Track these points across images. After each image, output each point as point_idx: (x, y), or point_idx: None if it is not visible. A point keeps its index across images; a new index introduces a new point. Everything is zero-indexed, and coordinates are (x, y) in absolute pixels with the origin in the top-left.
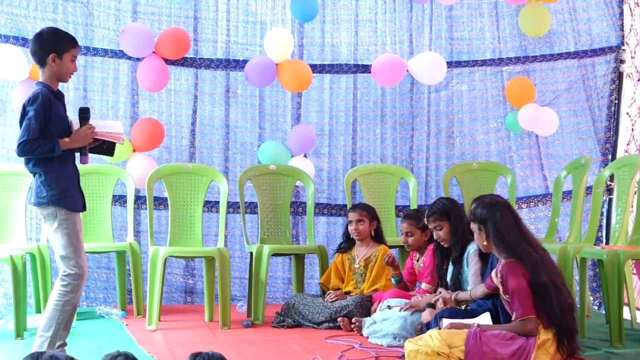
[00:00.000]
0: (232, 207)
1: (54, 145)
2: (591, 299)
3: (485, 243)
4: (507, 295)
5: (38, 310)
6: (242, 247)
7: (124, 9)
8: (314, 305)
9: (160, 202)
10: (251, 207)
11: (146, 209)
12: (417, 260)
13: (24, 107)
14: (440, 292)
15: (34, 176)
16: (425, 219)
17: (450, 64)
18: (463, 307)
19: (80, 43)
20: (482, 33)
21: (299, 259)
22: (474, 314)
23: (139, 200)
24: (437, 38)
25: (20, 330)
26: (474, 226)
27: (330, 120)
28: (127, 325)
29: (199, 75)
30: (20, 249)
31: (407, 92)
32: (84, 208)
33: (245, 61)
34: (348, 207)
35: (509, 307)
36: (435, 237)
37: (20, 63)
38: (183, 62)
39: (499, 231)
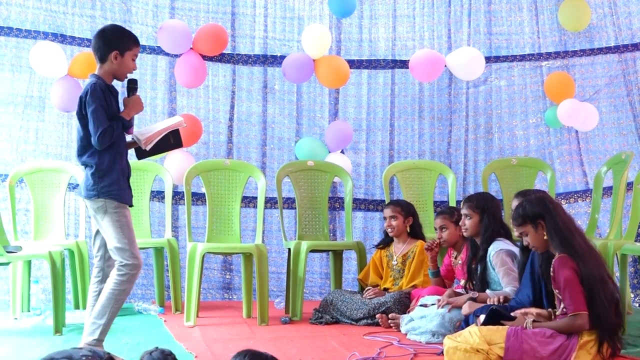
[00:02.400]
0: (270, 202)
1: (122, 120)
2: (632, 295)
3: (545, 238)
4: (557, 291)
5: (77, 306)
6: (280, 243)
7: (162, 5)
8: (352, 302)
9: (198, 198)
10: (289, 203)
11: (184, 205)
12: (455, 258)
13: (81, 99)
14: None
15: (85, 169)
16: (462, 203)
17: (489, 59)
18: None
19: None
20: (521, 28)
21: (337, 255)
22: (512, 311)
23: (177, 196)
24: (476, 33)
25: (59, 326)
26: (527, 227)
27: (367, 116)
28: (165, 321)
29: (237, 72)
30: (59, 245)
31: (445, 87)
32: (132, 204)
33: (282, 57)
34: (386, 203)
35: (558, 303)
36: (460, 224)
37: (59, 60)
38: (220, 58)
39: (557, 225)
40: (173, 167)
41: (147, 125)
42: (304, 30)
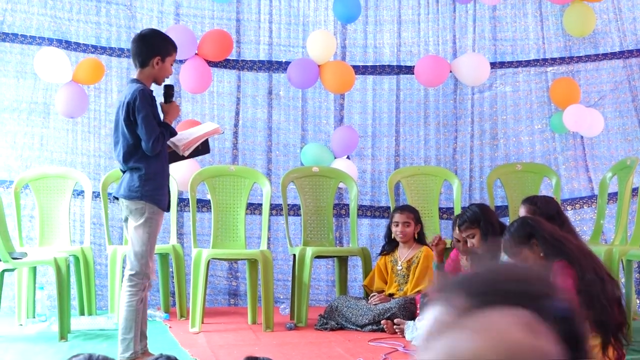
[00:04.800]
0: (275, 209)
1: (170, 128)
2: (637, 302)
3: (542, 255)
4: None
5: (82, 313)
6: (285, 249)
7: (167, 11)
8: (357, 308)
9: (203, 205)
10: (294, 210)
11: (189, 211)
12: (467, 260)
13: (129, 105)
14: None
15: (129, 172)
16: (456, 228)
17: (494, 65)
18: None
19: (122, 46)
20: (526, 33)
21: (342, 261)
22: None
23: (182, 202)
24: (481, 39)
25: (64, 332)
26: (524, 253)
27: (373, 122)
28: (170, 327)
29: (242, 77)
30: (64, 251)
31: (450, 93)
32: (168, 208)
33: (287, 63)
34: (391, 209)
35: None
36: (469, 245)
37: (64, 66)
38: (225, 64)
39: (546, 238)
40: (178, 173)
41: None
42: (309, 36)
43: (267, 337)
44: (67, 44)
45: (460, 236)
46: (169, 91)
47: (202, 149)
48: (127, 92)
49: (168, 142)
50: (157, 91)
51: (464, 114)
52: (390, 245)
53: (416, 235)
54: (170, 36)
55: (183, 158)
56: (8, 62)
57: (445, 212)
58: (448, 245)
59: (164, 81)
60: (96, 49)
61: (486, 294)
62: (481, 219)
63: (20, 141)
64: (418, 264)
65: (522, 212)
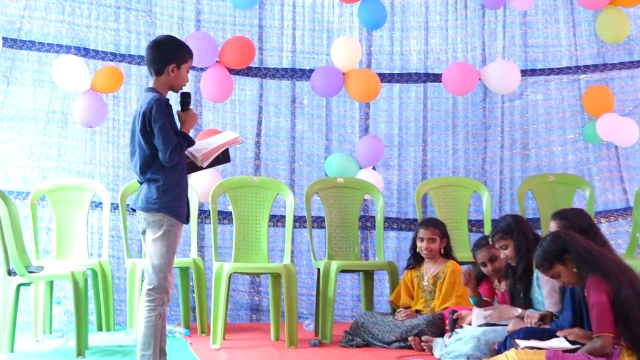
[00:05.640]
0: (299, 221)
1: (187, 137)
2: None
3: (575, 270)
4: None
5: (100, 328)
6: (309, 263)
7: (187, 18)
8: (384, 324)
9: (224, 217)
10: (318, 222)
11: (210, 223)
12: (499, 282)
13: (145, 115)
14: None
15: (147, 183)
16: (490, 239)
17: (524, 72)
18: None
19: (142, 53)
20: (558, 40)
21: (368, 275)
22: (551, 334)
23: (203, 214)
24: (511, 45)
25: (81, 348)
26: (557, 268)
27: (399, 131)
28: (190, 344)
29: (264, 85)
30: (82, 265)
31: (479, 101)
32: (187, 220)
33: (311, 70)
34: (419, 222)
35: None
36: (502, 257)
37: (82, 74)
38: (247, 71)
39: (580, 253)
40: (199, 184)
41: None
42: (333, 42)
43: (290, 355)
44: (85, 52)
45: (487, 255)
46: (185, 99)
47: (223, 157)
48: (143, 102)
49: (186, 152)
50: (174, 99)
51: (494, 123)
52: (416, 260)
53: (442, 250)
54: (191, 43)
55: (202, 168)
56: (25, 70)
57: (474, 225)
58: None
59: (180, 89)
60: (115, 56)
61: None
62: (515, 230)
63: (37, 151)
64: (444, 279)
65: (553, 227)
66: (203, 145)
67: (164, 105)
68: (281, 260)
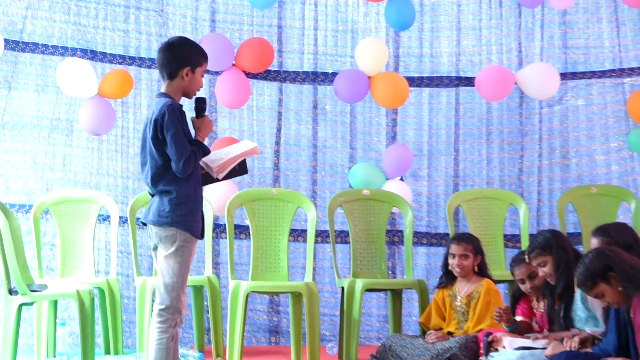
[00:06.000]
0: (321, 236)
1: (202, 146)
2: None
3: (621, 289)
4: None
5: (107, 352)
6: (333, 281)
7: (202, 18)
8: (414, 347)
9: (241, 231)
10: (342, 237)
11: (226, 238)
12: (538, 302)
13: (157, 122)
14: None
15: (159, 196)
16: (527, 256)
17: (564, 76)
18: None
19: (153, 56)
20: (601, 41)
21: (396, 294)
22: (594, 358)
23: (218, 229)
24: (550, 47)
25: None
26: (601, 287)
27: (429, 140)
28: None
29: (284, 90)
30: (88, 283)
31: (516, 107)
32: (202, 236)
33: (334, 74)
34: (451, 237)
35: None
36: (541, 275)
37: (89, 78)
38: (266, 75)
39: (625, 270)
40: (214, 196)
41: None
42: (358, 44)
43: None
44: (92, 55)
45: (526, 272)
46: (201, 105)
47: (240, 169)
48: (155, 108)
49: (200, 163)
50: (188, 105)
51: (531, 131)
52: (449, 278)
53: (476, 268)
54: (206, 45)
55: (217, 180)
56: (28, 74)
57: (510, 240)
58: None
59: (195, 94)
60: (124, 59)
61: None
62: (554, 246)
63: (41, 161)
64: (479, 299)
65: (595, 244)
66: (219, 156)
67: (178, 111)
68: (302, 278)
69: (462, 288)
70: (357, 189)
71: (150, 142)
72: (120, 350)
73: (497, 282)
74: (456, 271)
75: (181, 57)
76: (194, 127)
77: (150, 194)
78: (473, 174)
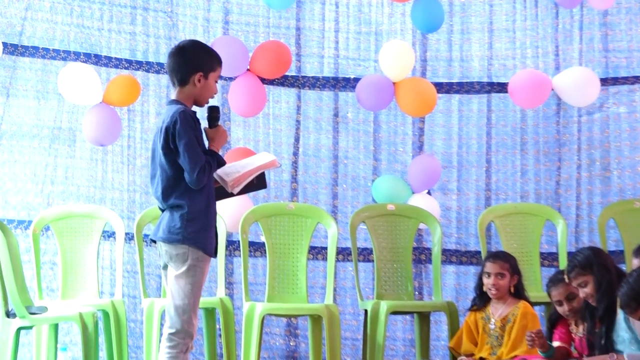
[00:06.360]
0: (342, 254)
1: (217, 156)
2: None
3: None
4: None
5: None
6: (355, 302)
7: (214, 19)
8: None
9: (256, 249)
10: (365, 255)
11: (240, 256)
12: (577, 325)
13: (167, 130)
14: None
15: (168, 210)
16: (565, 275)
17: (605, 81)
18: None
19: (162, 60)
20: None
21: (423, 317)
22: None
23: (232, 246)
24: (589, 50)
25: None
26: None
27: (459, 150)
28: None
29: (302, 97)
30: (91, 305)
31: (552, 115)
32: (216, 253)
33: (357, 79)
34: (483, 255)
35: None
36: (581, 295)
37: (93, 84)
38: (283, 81)
39: None
40: (227, 211)
41: None
42: (382, 47)
43: None
44: (96, 59)
45: (564, 292)
46: (213, 114)
47: (257, 183)
48: (165, 116)
49: (214, 176)
50: (200, 114)
51: (569, 140)
52: (482, 299)
53: (512, 289)
54: (218, 49)
55: (232, 195)
56: (27, 80)
57: (546, 258)
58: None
59: (207, 102)
60: (131, 63)
61: None
62: (595, 264)
63: (41, 174)
64: (514, 322)
65: (636, 264)
66: (234, 169)
67: (190, 118)
68: (322, 299)
69: (497, 310)
70: (381, 203)
71: (160, 151)
72: None
73: (533, 304)
74: (491, 292)
75: (193, 62)
76: (207, 138)
77: (159, 208)
78: (506, 187)
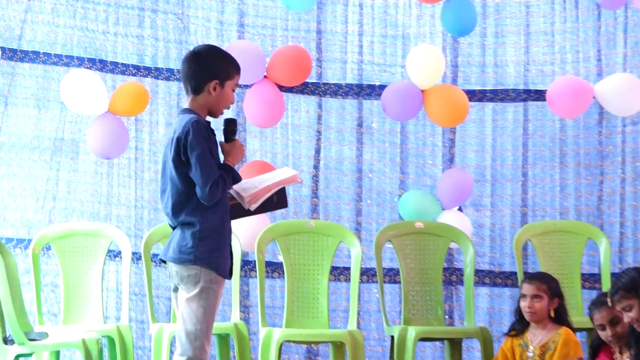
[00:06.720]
0: (367, 275)
1: (232, 171)
2: None
3: None
4: None
5: None
6: (380, 327)
7: (228, 22)
8: None
9: (274, 269)
10: (391, 276)
11: (256, 278)
12: (621, 352)
13: (179, 141)
14: None
15: (179, 228)
16: (608, 299)
17: None
18: None
19: (172, 66)
20: None
21: (455, 344)
22: None
23: (247, 266)
24: (634, 54)
25: None
26: None
27: (492, 163)
28: None
29: (324, 106)
30: (96, 330)
31: (594, 125)
32: (230, 275)
33: (382, 87)
34: (519, 276)
35: None
36: (625, 320)
37: (98, 92)
38: (303, 88)
39: None
40: (241, 229)
41: None
42: (409, 52)
43: None
44: (101, 64)
45: (608, 316)
46: (230, 127)
47: (278, 201)
48: (177, 126)
49: (230, 192)
50: (216, 124)
51: (613, 152)
52: (521, 324)
53: (552, 313)
54: (232, 54)
55: (250, 213)
56: (27, 87)
57: (588, 280)
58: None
59: (222, 112)
60: (138, 70)
61: None
62: None
63: (42, 188)
64: (555, 350)
65: None
66: (252, 184)
67: (204, 128)
68: (345, 324)
69: (536, 336)
70: (408, 220)
71: (171, 164)
72: None
73: (574, 330)
74: (527, 315)
75: (208, 68)
76: (223, 152)
77: (170, 226)
78: (544, 202)
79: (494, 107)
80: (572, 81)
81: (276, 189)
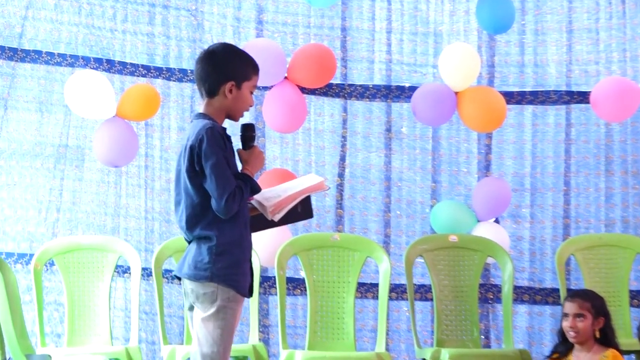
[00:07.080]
0: (396, 292)
1: (251, 181)
2: None
3: None
4: None
5: None
6: (410, 349)
7: (245, 19)
8: None
9: (295, 286)
10: (422, 293)
11: (276, 295)
12: None
13: (192, 150)
14: None
15: (195, 242)
16: None
17: None
18: None
19: (185, 66)
20: None
21: None
22: None
23: (266, 283)
24: None
25: None
26: None
27: (532, 171)
28: None
29: (349, 109)
30: (103, 353)
31: None
32: (250, 293)
33: (413, 88)
34: (561, 293)
35: None
36: None
37: (105, 95)
38: (326, 90)
39: None
40: (260, 243)
41: None
42: (442, 51)
43: None
44: (109, 65)
45: None
46: (248, 133)
47: (302, 210)
48: (191, 133)
49: (251, 202)
50: (232, 129)
51: None
52: (564, 346)
53: (598, 333)
54: (250, 53)
55: (272, 224)
56: (29, 90)
57: (636, 297)
58: None
59: (241, 115)
60: (149, 70)
61: None
62: None
63: (45, 199)
64: None
65: None
66: (275, 193)
67: (219, 135)
68: (373, 345)
69: (580, 359)
70: (441, 233)
71: (185, 174)
72: None
73: (623, 352)
74: (569, 335)
75: (223, 69)
76: (241, 160)
77: (185, 240)
78: (588, 214)
79: (534, 111)
80: (619, 82)
81: (301, 198)
